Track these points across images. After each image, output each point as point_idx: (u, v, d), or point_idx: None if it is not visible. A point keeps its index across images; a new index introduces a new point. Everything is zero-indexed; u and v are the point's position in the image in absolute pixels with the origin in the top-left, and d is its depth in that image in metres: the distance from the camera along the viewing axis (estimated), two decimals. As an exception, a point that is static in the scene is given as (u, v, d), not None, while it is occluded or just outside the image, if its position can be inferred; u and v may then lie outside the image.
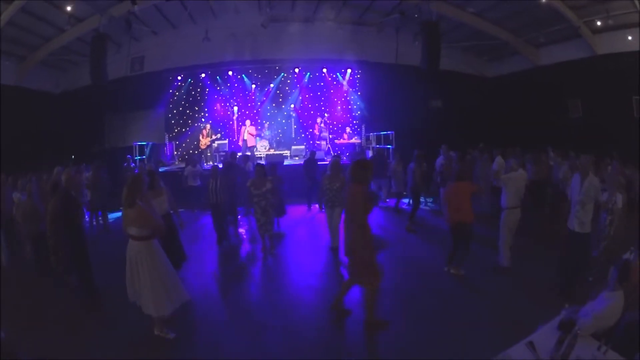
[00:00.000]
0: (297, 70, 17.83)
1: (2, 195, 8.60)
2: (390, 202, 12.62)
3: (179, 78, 17.59)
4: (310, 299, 6.24)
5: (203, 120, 18.15)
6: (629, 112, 13.31)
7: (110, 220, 11.23)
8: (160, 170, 13.50)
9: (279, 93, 18.50)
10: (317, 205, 11.80)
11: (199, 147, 17.39)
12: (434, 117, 17.50)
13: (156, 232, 4.89)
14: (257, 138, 17.06)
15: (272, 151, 16.95)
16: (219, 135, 17.39)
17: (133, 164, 14.11)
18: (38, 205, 7.31)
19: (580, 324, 3.30)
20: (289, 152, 17.38)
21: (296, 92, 18.44)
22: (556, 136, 13.60)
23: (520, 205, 6.80)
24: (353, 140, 17.82)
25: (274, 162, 11.52)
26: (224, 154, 16.18)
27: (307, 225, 10.95)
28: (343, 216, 5.44)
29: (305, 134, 18.40)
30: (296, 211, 12.08)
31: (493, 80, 18.43)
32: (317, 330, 5.22)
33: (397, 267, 7.44)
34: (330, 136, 17.85)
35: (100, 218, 11.08)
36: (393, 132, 15.61)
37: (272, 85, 18.28)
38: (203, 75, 17.54)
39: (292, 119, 18.56)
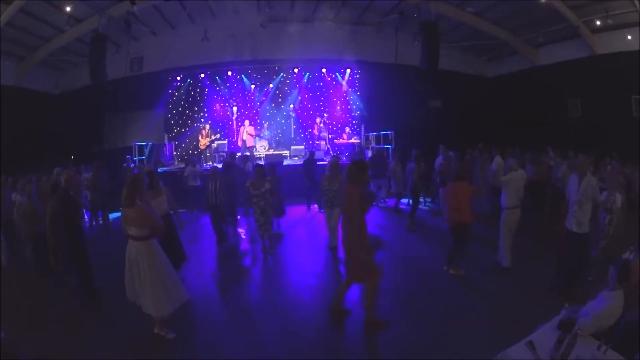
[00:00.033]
0: (296, 70, 17.86)
1: (2, 196, 8.60)
2: (390, 202, 12.62)
3: (178, 78, 17.59)
4: (309, 298, 6.23)
5: (202, 120, 18.15)
6: (629, 111, 13.34)
7: (111, 220, 11.23)
8: (159, 170, 13.48)
9: (278, 93, 18.48)
10: (316, 205, 11.79)
11: (199, 148, 17.39)
12: (434, 117, 17.54)
13: (156, 232, 4.89)
14: (257, 138, 17.04)
15: (271, 151, 16.93)
16: (218, 136, 17.38)
17: (132, 164, 14.10)
18: (38, 206, 7.31)
19: (580, 323, 3.30)
20: (288, 152, 17.36)
21: (295, 92, 18.43)
22: (556, 136, 13.62)
23: (520, 205, 6.80)
24: (352, 140, 17.81)
25: (273, 162, 11.51)
26: (223, 154, 16.18)
27: (307, 225, 10.95)
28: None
29: (304, 134, 18.39)
30: (295, 211, 12.06)
31: (492, 80, 18.46)
32: (317, 330, 5.21)
33: (397, 267, 7.43)
34: (330, 136, 17.83)
35: (100, 218, 11.08)
36: (392, 132, 15.64)
37: (271, 85, 18.27)
38: (202, 75, 17.55)
39: (292, 119, 18.55)
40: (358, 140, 17.94)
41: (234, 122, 17.98)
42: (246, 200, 8.33)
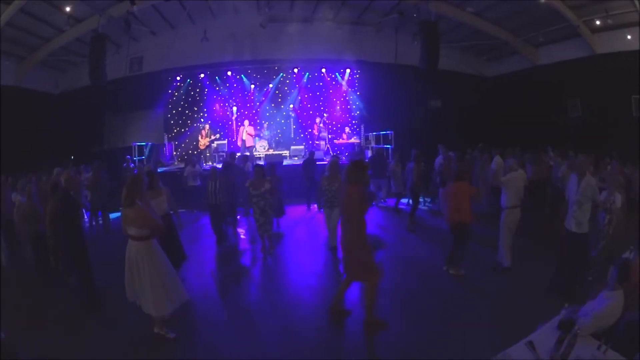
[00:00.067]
0: (296, 70, 17.87)
1: (2, 196, 8.59)
2: (390, 202, 12.61)
3: (178, 78, 17.60)
4: (309, 298, 6.24)
5: (202, 120, 18.16)
6: (628, 111, 13.33)
7: (111, 220, 11.23)
8: (158, 170, 13.48)
9: (278, 93, 18.49)
10: (315, 205, 11.78)
11: (198, 148, 17.39)
12: (433, 116, 17.53)
13: (155, 232, 4.89)
14: (256, 138, 17.05)
15: (271, 151, 16.93)
16: (217, 136, 17.37)
17: (132, 164, 14.10)
18: (38, 206, 7.30)
19: (580, 323, 3.30)
20: (288, 152, 17.36)
21: (295, 92, 18.43)
22: (555, 136, 13.61)
23: (520, 205, 6.80)
24: (352, 140, 17.81)
25: (273, 162, 11.51)
26: (223, 154, 16.18)
27: (306, 225, 10.95)
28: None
29: (304, 134, 18.39)
30: (295, 211, 12.07)
31: (492, 80, 18.45)
32: (317, 330, 5.22)
33: (397, 267, 7.43)
34: (329, 136, 17.84)
35: (100, 218, 11.08)
36: (392, 132, 15.64)
37: (271, 85, 18.27)
38: (202, 75, 17.55)
39: (291, 119, 18.55)
40: (358, 140, 17.94)
41: (234, 122, 17.97)
42: (246, 201, 8.33)
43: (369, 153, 15.93)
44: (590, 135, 13.12)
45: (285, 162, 15.36)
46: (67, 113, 15.89)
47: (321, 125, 17.57)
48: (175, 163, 17.37)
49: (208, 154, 17.02)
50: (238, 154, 12.85)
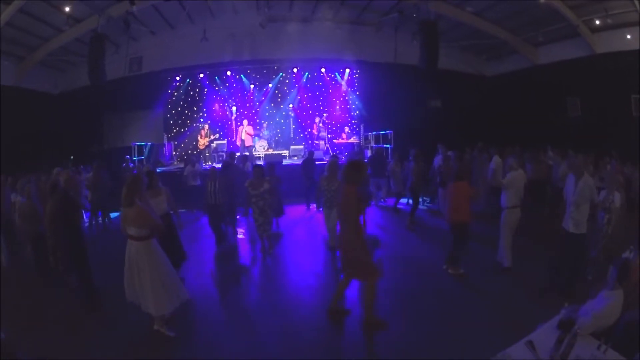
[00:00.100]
0: (295, 70, 17.90)
1: (2, 196, 8.59)
2: (390, 201, 12.61)
3: (178, 78, 17.61)
4: (309, 298, 6.24)
5: (201, 120, 18.16)
6: (628, 111, 13.35)
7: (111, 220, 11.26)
8: (158, 170, 13.47)
9: (278, 93, 18.50)
10: (315, 205, 11.78)
11: (198, 148, 17.38)
12: (433, 116, 17.55)
13: (155, 232, 4.90)
14: (256, 138, 17.06)
15: (270, 151, 16.91)
16: (217, 136, 17.35)
17: (132, 164, 14.09)
18: (37, 206, 7.30)
19: (579, 323, 3.30)
20: (287, 152, 17.36)
21: (294, 91, 18.44)
22: (555, 135, 13.61)
23: (520, 205, 6.80)
24: (352, 140, 17.81)
25: (273, 162, 11.49)
26: (222, 154, 16.18)
27: (306, 225, 10.95)
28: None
29: (303, 133, 18.40)
30: (295, 211, 12.06)
31: (492, 80, 18.46)
32: (317, 330, 5.21)
33: (397, 267, 7.42)
34: (329, 136, 17.84)
35: (100, 218, 11.09)
36: (392, 131, 15.63)
37: (270, 85, 18.28)
38: (201, 75, 17.57)
39: (291, 119, 18.54)
40: (357, 140, 17.94)
41: (233, 122, 17.97)
42: (245, 201, 8.32)
43: (369, 153, 15.93)
44: (589, 134, 13.12)
45: (284, 162, 15.36)
46: (67, 113, 15.89)
47: (320, 125, 17.55)
48: (175, 163, 17.35)
49: (207, 154, 17.01)
50: (237, 154, 12.85)
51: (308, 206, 12.48)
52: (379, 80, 17.07)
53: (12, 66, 14.22)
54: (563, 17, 13.05)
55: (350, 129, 18.30)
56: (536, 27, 14.19)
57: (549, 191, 10.37)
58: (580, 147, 10.17)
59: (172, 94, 17.88)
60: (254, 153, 16.34)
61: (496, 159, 9.82)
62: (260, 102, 18.32)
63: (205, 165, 15.30)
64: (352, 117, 18.78)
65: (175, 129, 18.23)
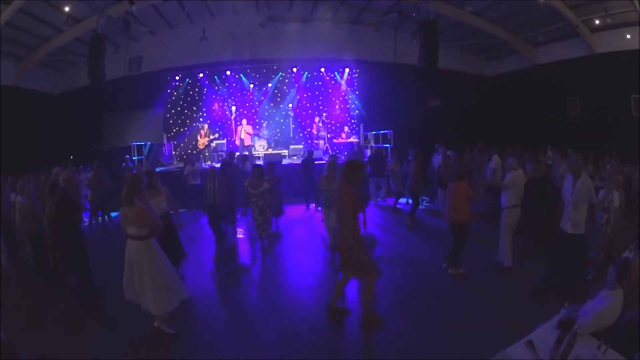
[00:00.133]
0: (295, 69, 17.89)
1: (2, 196, 8.60)
2: (389, 201, 12.61)
3: (177, 78, 17.61)
4: (309, 298, 6.24)
5: (201, 120, 18.15)
6: (628, 110, 13.36)
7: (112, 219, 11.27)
8: (157, 170, 13.47)
9: (277, 92, 18.49)
10: (314, 205, 11.77)
11: (197, 147, 17.37)
12: (433, 116, 17.55)
13: (154, 231, 4.91)
14: (255, 137, 17.06)
15: (270, 151, 16.90)
16: (216, 135, 17.33)
17: (131, 164, 14.08)
18: (37, 206, 7.31)
19: (579, 322, 3.30)
20: (287, 151, 17.34)
21: (294, 91, 18.43)
22: (555, 135, 13.63)
23: (520, 205, 6.80)
24: (351, 140, 17.81)
25: (272, 162, 11.48)
26: (222, 153, 16.17)
27: (305, 224, 10.95)
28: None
29: (303, 133, 18.40)
30: (294, 211, 12.06)
31: (492, 79, 18.48)
32: (317, 330, 5.21)
33: (397, 267, 7.41)
34: (329, 135, 17.83)
35: (100, 218, 11.09)
36: (391, 131, 15.63)
37: (270, 84, 18.28)
38: (201, 75, 17.57)
39: (290, 119, 18.52)
40: (357, 140, 17.94)
41: (233, 121, 17.95)
42: (244, 200, 8.32)
43: (368, 152, 15.93)
44: (589, 134, 13.15)
45: (284, 162, 15.38)
46: (67, 113, 15.90)
47: (320, 124, 17.55)
48: (174, 163, 17.35)
49: (207, 154, 16.99)
50: (237, 154, 12.85)
51: (307, 206, 12.47)
52: (378, 80, 17.07)
53: (12, 66, 14.22)
54: (563, 17, 13.06)
55: (349, 129, 18.30)
56: (536, 27, 14.20)
57: (548, 191, 10.37)
58: (580, 147, 10.17)
59: (171, 94, 17.88)
60: (254, 153, 16.34)
61: (495, 159, 9.81)
62: (260, 102, 18.32)
63: (205, 165, 15.28)
64: (352, 117, 18.77)
65: (174, 128, 18.23)
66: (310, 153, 13.16)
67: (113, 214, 11.24)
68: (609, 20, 12.58)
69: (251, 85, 18.18)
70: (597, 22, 13.07)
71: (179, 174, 13.15)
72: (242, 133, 16.73)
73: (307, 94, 18.57)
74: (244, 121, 17.16)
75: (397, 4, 13.98)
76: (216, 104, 18.26)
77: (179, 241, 7.02)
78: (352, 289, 5.93)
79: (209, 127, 17.43)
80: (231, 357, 4.66)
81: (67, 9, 12.05)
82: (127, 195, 4.71)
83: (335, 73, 18.34)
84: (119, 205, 4.98)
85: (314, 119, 17.80)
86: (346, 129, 18.18)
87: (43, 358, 4.53)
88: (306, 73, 18.19)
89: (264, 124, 17.55)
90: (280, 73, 18.14)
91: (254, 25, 14.59)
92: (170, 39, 15.86)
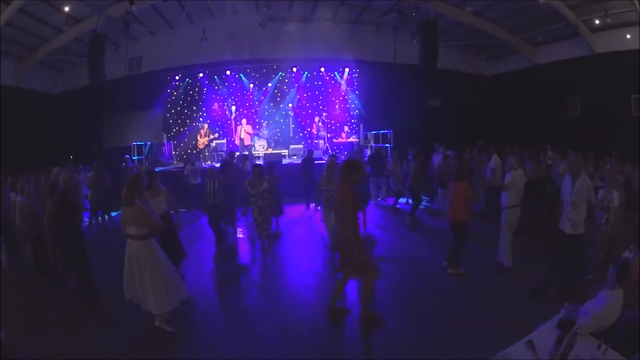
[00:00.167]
0: (294, 69, 17.87)
1: (2, 196, 8.60)
2: (389, 200, 12.60)
3: (177, 78, 17.59)
4: (309, 298, 6.23)
5: (201, 119, 18.13)
6: (628, 110, 13.37)
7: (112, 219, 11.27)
8: (157, 169, 13.47)
9: (277, 92, 18.47)
10: (314, 204, 11.76)
11: (197, 147, 17.36)
12: (433, 116, 17.55)
13: (154, 231, 4.91)
14: (255, 137, 17.05)
15: (270, 150, 16.88)
16: (216, 135, 17.31)
17: (131, 164, 14.08)
18: (37, 206, 7.31)
19: (579, 322, 3.29)
20: (287, 151, 17.32)
21: (294, 91, 18.40)
22: (555, 135, 13.63)
23: (520, 204, 6.80)
24: (351, 140, 17.79)
25: (272, 162, 11.47)
26: (222, 153, 16.15)
27: (305, 224, 10.93)
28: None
29: (303, 133, 18.37)
30: (294, 210, 12.05)
31: (491, 79, 18.49)
32: (317, 330, 5.21)
33: (397, 266, 7.43)
34: (328, 135, 17.81)
35: (100, 218, 11.09)
36: (391, 131, 15.63)
37: (270, 84, 18.26)
38: (201, 74, 17.56)
39: (290, 118, 18.50)
40: (357, 140, 17.92)
41: (233, 121, 17.93)
42: (244, 200, 8.32)
43: (368, 152, 15.92)
44: (589, 134, 13.15)
45: (284, 161, 15.36)
46: (67, 113, 15.92)
47: (320, 124, 17.54)
48: (174, 162, 17.34)
49: (207, 153, 16.98)
50: (237, 153, 12.84)
51: (307, 206, 12.46)
52: (378, 80, 17.06)
53: (12, 66, 14.24)
54: (563, 17, 13.07)
55: (349, 129, 18.28)
56: (536, 27, 14.21)
57: (548, 191, 10.38)
58: (580, 147, 10.17)
59: (171, 94, 17.87)
60: (254, 152, 16.33)
61: (495, 159, 9.82)
62: (260, 102, 18.29)
63: (205, 164, 15.27)
64: (352, 117, 18.74)
65: (174, 128, 18.21)
66: (310, 153, 13.15)
67: (113, 214, 11.25)
68: (609, 20, 12.59)
69: (251, 85, 18.15)
70: (597, 22, 13.08)
71: (179, 173, 13.15)
72: (242, 133, 16.73)
73: (307, 94, 18.54)
74: (244, 121, 17.15)
75: (397, 4, 13.98)
76: (216, 104, 18.23)
77: (179, 241, 7.02)
78: (352, 288, 5.93)
79: (208, 126, 17.43)
80: (231, 356, 4.66)
81: (67, 9, 12.07)
82: (127, 195, 4.71)
83: (335, 73, 18.31)
84: (119, 205, 4.97)
85: (313, 119, 17.78)
86: (346, 128, 18.15)
87: (43, 358, 4.52)
88: (306, 73, 18.16)
89: (264, 124, 17.53)
90: (280, 73, 18.11)
91: (254, 25, 14.60)
92: (170, 39, 15.87)
